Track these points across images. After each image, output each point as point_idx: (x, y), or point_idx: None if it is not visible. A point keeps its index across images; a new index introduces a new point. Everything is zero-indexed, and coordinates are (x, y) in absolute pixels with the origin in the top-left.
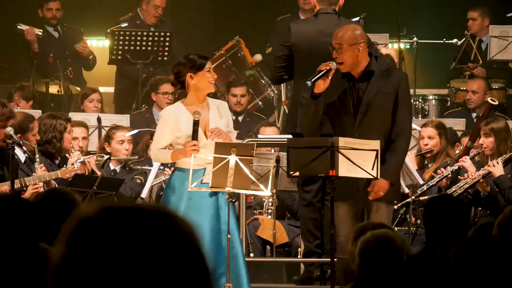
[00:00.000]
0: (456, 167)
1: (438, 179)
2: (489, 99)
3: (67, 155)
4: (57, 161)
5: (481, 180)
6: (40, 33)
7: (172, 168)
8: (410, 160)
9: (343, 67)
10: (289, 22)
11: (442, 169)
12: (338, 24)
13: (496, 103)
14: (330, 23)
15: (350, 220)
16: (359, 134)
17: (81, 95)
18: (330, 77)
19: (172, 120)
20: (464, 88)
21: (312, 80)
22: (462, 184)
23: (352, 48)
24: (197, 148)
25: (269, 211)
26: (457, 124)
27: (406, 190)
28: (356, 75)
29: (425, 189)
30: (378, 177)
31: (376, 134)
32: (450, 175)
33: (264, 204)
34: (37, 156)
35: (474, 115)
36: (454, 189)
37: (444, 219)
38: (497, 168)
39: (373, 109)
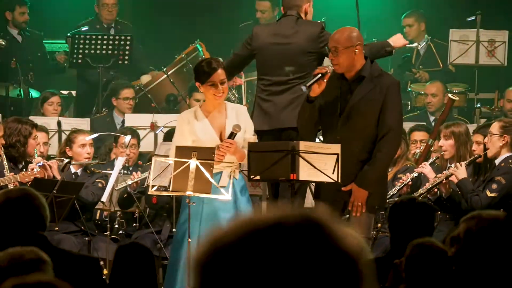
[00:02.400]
0: (416, 174)
1: (399, 187)
2: (449, 95)
3: (30, 160)
4: (20, 166)
5: (444, 181)
6: (4, 43)
7: (139, 172)
8: None
9: (338, 67)
10: (249, 29)
11: (403, 178)
12: (295, 26)
13: (457, 98)
14: (287, 26)
15: None
16: (340, 137)
17: (41, 98)
18: (325, 80)
19: (185, 125)
20: (424, 92)
21: (307, 85)
22: (424, 187)
23: (348, 50)
24: (223, 157)
25: None
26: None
27: None
28: (349, 78)
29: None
30: (339, 181)
31: (357, 139)
32: (410, 182)
33: None
34: (5, 162)
35: (432, 118)
36: (420, 192)
37: (408, 223)
38: (460, 170)
39: (356, 114)
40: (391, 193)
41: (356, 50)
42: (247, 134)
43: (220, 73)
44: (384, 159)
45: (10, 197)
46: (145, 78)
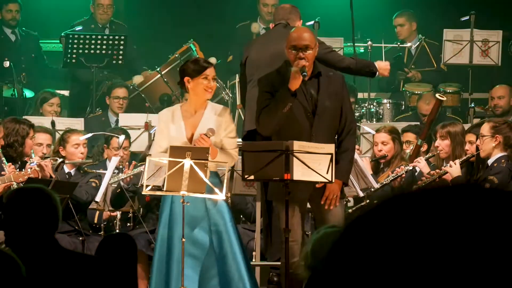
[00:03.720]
0: (411, 167)
1: (392, 178)
2: (437, 95)
3: (27, 159)
4: (17, 166)
5: (437, 179)
6: None
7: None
8: (365, 165)
9: (308, 66)
10: (246, 30)
11: (397, 169)
12: (283, 31)
13: (445, 99)
14: (275, 32)
15: (297, 224)
16: (315, 135)
17: (40, 98)
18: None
19: (163, 123)
20: (418, 92)
21: (307, 77)
22: (417, 184)
23: (315, 48)
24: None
25: None
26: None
27: (361, 194)
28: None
29: (378, 187)
30: (333, 180)
31: (328, 135)
32: (404, 175)
33: None
34: (3, 158)
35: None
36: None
37: None
38: (454, 168)
39: (328, 111)
40: (384, 183)
41: (317, 48)
42: (226, 134)
43: (213, 70)
44: (353, 151)
45: (23, 194)
46: (137, 79)
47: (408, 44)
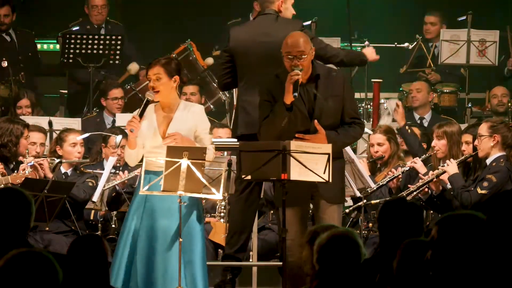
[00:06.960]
0: (407, 168)
1: (389, 179)
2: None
3: (21, 158)
4: (11, 166)
5: (434, 179)
6: None
7: (126, 172)
8: (363, 166)
9: (303, 72)
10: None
11: (393, 169)
12: (275, 23)
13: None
14: (267, 23)
15: (296, 224)
16: None
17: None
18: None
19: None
20: (409, 90)
21: (297, 92)
22: (415, 184)
23: (310, 53)
24: (135, 123)
25: (222, 214)
26: None
27: (358, 194)
28: (303, 80)
29: (375, 188)
30: (330, 180)
31: None
32: (401, 176)
33: (217, 207)
34: None
35: (417, 116)
36: (411, 189)
37: (397, 223)
38: (451, 166)
39: (326, 113)
40: (381, 183)
41: (313, 51)
42: (199, 131)
43: (155, 69)
44: (351, 135)
45: None
46: (132, 67)
47: (405, 45)
